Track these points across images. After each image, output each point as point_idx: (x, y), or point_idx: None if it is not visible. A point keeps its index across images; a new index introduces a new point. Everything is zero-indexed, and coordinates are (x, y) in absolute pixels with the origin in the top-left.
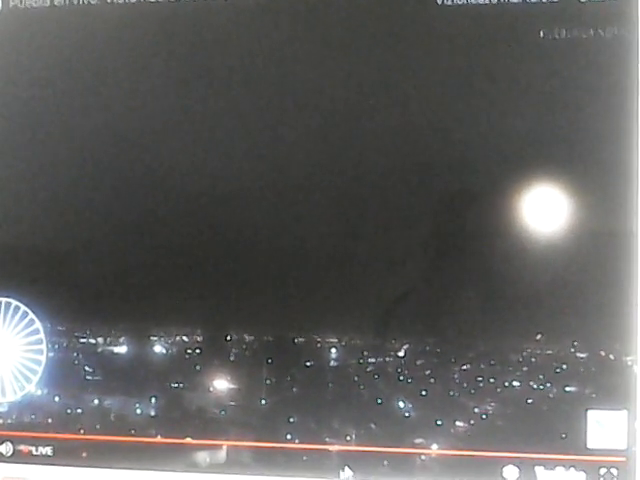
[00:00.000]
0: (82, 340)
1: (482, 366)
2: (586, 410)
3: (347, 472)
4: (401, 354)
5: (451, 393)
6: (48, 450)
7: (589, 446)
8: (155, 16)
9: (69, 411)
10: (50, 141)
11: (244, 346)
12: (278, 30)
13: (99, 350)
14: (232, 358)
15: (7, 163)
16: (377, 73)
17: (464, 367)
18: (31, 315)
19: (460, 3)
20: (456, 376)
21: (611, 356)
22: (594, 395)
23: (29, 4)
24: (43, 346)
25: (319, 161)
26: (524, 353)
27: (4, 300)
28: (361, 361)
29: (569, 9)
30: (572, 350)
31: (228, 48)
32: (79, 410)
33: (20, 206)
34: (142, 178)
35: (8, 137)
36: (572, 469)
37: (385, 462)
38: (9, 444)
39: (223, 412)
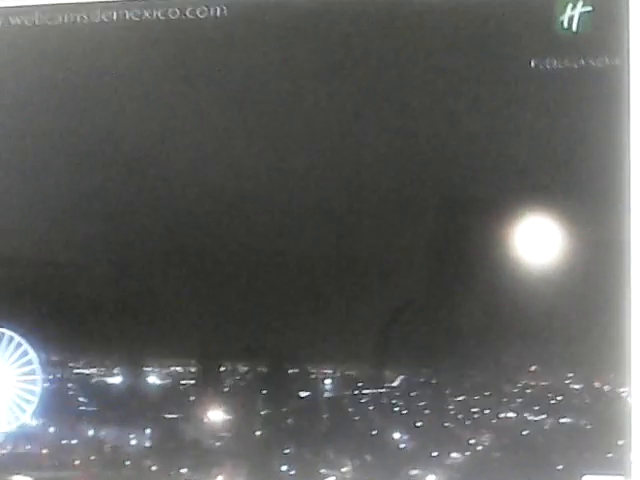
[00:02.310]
0: (76, 371)
1: (477, 397)
2: (582, 476)
3: None
4: (396, 385)
5: (446, 424)
6: None
7: None
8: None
9: (64, 442)
10: (44, 164)
11: (238, 377)
12: (281, 42)
13: (94, 381)
14: (226, 389)
15: None
16: (378, 88)
17: (459, 398)
18: (25, 345)
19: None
20: (451, 407)
21: (606, 387)
22: (589, 426)
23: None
24: (37, 377)
25: (316, 183)
26: (519, 384)
27: None
28: (355, 392)
29: (560, 39)
30: (567, 381)
31: (230, 58)
32: (74, 441)
33: (12, 237)
34: (132, 209)
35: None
36: None
37: None
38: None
39: (218, 443)
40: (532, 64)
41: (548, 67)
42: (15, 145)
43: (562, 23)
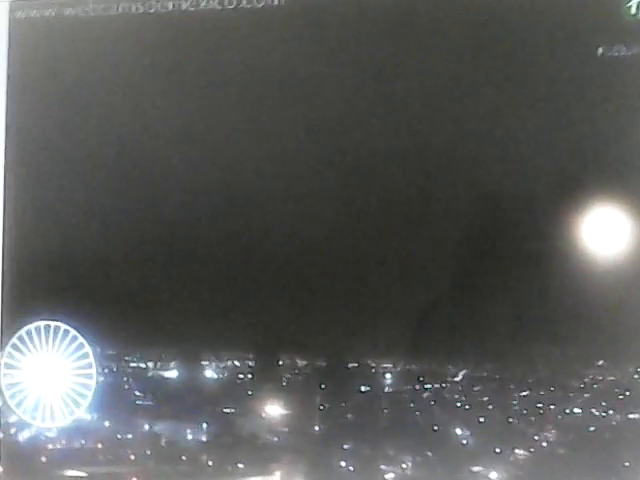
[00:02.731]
0: (132, 364)
1: (542, 392)
2: None
3: None
4: (458, 380)
5: (510, 420)
6: (98, 475)
7: None
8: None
9: (119, 436)
10: (88, 157)
11: (297, 371)
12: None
13: (149, 374)
14: (284, 383)
15: (50, 188)
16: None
17: (523, 393)
18: (80, 339)
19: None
20: (515, 402)
21: None
22: None
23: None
24: (93, 370)
25: (350, 177)
26: (586, 379)
27: (53, 324)
28: (417, 387)
29: (628, 25)
30: (635, 376)
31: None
32: (129, 435)
33: (68, 231)
34: (184, 205)
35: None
36: None
37: None
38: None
39: (276, 438)
40: (600, 52)
41: (616, 54)
42: (76, 142)
43: (630, 9)
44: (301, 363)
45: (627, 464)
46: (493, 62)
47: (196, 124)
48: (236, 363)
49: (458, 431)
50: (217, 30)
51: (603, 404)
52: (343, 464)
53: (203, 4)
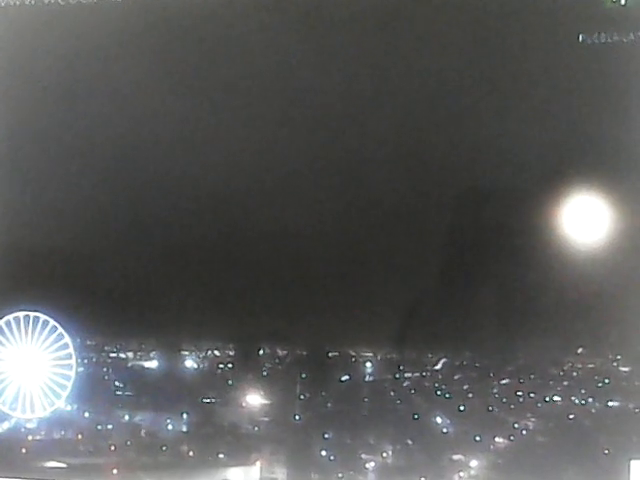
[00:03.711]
0: (112, 355)
1: (522, 380)
2: (630, 460)
3: None
4: (438, 368)
5: (490, 408)
6: (78, 466)
7: None
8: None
9: (99, 427)
10: (78, 155)
11: (277, 360)
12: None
13: (129, 365)
14: (265, 373)
15: (29, 180)
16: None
17: (503, 381)
18: (60, 329)
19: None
20: (495, 391)
21: None
22: (638, 410)
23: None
24: (72, 361)
25: (338, 170)
26: (565, 367)
27: (33, 314)
28: (397, 376)
29: (609, 13)
30: (615, 364)
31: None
32: (109, 426)
33: (48, 222)
34: (163, 195)
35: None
36: None
37: (422, 479)
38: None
39: (256, 428)
40: (580, 39)
41: (596, 41)
42: (52, 132)
43: None
44: (281, 352)
45: (606, 452)
46: (473, 50)
47: (177, 112)
48: (216, 353)
49: (438, 420)
50: (200, 16)
51: (582, 392)
52: (324, 453)
53: None
